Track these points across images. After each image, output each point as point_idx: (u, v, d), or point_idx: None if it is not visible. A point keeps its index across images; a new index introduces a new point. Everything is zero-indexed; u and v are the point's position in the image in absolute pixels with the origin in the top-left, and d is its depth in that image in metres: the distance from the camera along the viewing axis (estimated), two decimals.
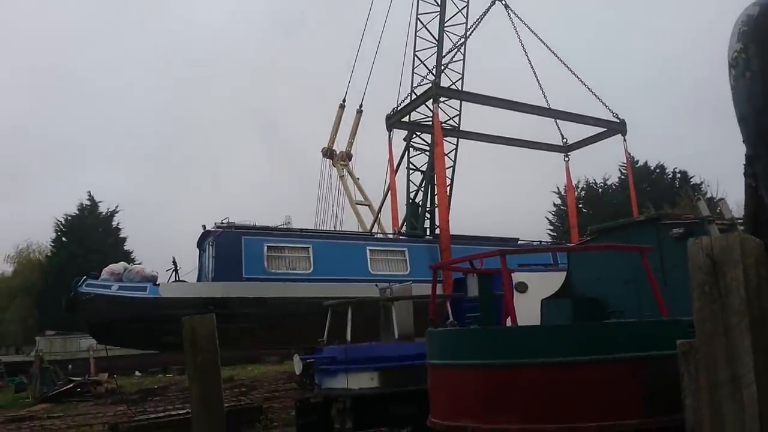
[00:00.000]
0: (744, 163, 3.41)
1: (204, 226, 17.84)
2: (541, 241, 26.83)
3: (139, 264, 40.91)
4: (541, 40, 22.23)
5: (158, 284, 16.29)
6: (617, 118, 21.94)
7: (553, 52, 22.11)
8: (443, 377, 6.17)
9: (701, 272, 2.89)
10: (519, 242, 20.69)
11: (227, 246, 16.74)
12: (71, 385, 22.19)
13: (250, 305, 15.79)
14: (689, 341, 3.27)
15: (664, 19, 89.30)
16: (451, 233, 17.69)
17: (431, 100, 19.54)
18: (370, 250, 18.25)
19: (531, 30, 22.37)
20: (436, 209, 22.70)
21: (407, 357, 8.09)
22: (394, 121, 20.56)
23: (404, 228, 21.40)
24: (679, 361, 3.45)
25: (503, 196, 70.58)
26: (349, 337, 8.73)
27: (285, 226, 19.22)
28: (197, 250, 19.05)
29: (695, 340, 3.04)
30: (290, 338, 15.72)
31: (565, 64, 22.01)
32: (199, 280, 18.05)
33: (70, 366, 28.62)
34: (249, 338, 16.75)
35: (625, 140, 22.30)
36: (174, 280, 17.02)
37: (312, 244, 17.59)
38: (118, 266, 17.38)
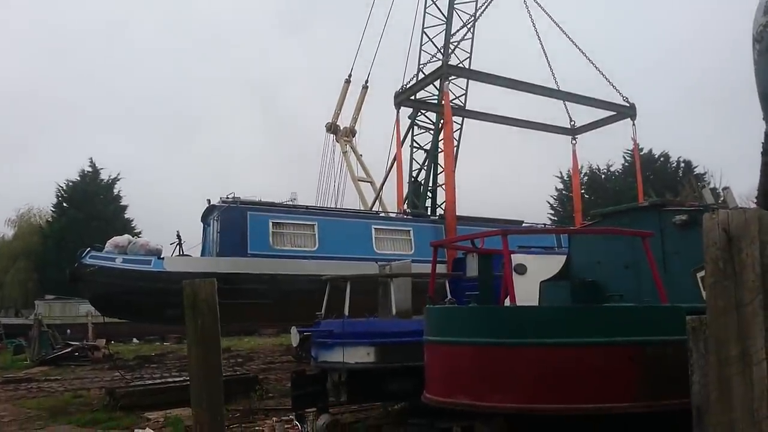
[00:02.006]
0: (763, 141, 3.33)
1: (209, 201, 17.80)
2: (545, 224, 26.83)
3: (140, 233, 41.17)
4: (553, 20, 21.94)
5: (162, 258, 16.30)
6: (627, 102, 21.73)
7: (565, 33, 21.85)
8: (439, 354, 6.17)
9: (716, 247, 2.84)
10: (523, 225, 20.67)
11: (233, 221, 16.70)
12: (69, 349, 22.37)
13: (256, 281, 15.84)
14: (699, 317, 3.25)
15: (670, 6, 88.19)
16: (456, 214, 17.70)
17: (439, 78, 19.37)
18: (375, 229, 18.24)
19: (543, 10, 22.07)
20: (438, 188, 22.66)
21: (404, 333, 8.08)
22: (402, 98, 20.37)
23: (405, 206, 21.37)
24: (687, 337, 3.44)
25: (503, 179, 70.45)
26: (346, 312, 8.74)
27: (291, 203, 19.23)
28: (200, 224, 19.04)
29: (705, 316, 3.01)
30: (294, 315, 15.86)
31: (576, 45, 21.77)
32: (203, 254, 18.08)
33: (68, 330, 28.90)
34: (253, 314, 16.86)
35: (634, 125, 22.10)
36: (178, 254, 17.03)
37: (317, 222, 17.56)
38: (123, 239, 17.42)
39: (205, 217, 18.45)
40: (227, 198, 17.10)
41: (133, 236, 22.14)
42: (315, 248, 17.08)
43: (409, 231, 18.61)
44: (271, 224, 16.85)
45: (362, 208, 24.41)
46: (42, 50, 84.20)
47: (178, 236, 17.19)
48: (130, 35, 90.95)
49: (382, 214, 21.47)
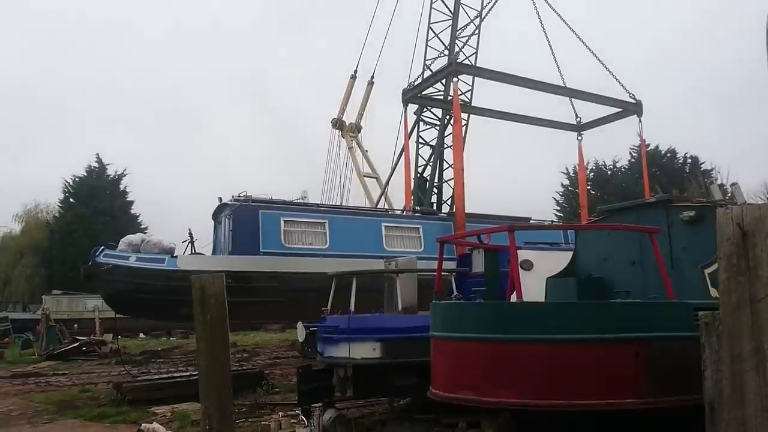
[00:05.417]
0: None
1: (220, 199, 17.81)
2: (553, 221, 26.74)
3: (145, 229, 41.32)
4: (560, 16, 21.77)
5: (176, 256, 16.35)
6: (633, 98, 21.61)
7: (571, 29, 21.64)
8: (446, 350, 6.18)
9: (730, 242, 2.80)
10: (530, 222, 20.63)
11: (245, 220, 16.73)
12: (77, 344, 22.52)
13: (268, 279, 15.92)
14: (712, 312, 3.23)
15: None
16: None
17: (448, 76, 19.29)
18: (385, 226, 18.32)
19: (551, 6, 21.91)
20: (444, 184, 22.62)
21: (410, 329, 8.10)
22: (411, 96, 20.33)
23: (412, 202, 21.35)
24: (700, 332, 3.42)
25: (507, 175, 70.18)
26: (352, 307, 8.77)
27: (302, 201, 19.26)
28: (203, 220, 19.11)
29: (718, 312, 3.00)
30: (306, 313, 15.90)
31: (582, 41, 21.59)
32: (214, 252, 18.13)
33: (75, 325, 29.04)
34: (266, 312, 16.96)
35: (640, 121, 21.95)
36: (191, 252, 17.08)
37: (328, 220, 17.63)
38: (136, 237, 17.47)
39: (217, 215, 18.49)
40: (239, 196, 17.12)
41: (138, 232, 22.22)
42: (326, 246, 17.15)
43: (418, 228, 18.68)
44: (282, 222, 16.92)
45: (368, 204, 24.42)
46: (48, 46, 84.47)
47: (190, 234, 17.20)
48: (134, 34, 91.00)
49: (393, 212, 21.46)
